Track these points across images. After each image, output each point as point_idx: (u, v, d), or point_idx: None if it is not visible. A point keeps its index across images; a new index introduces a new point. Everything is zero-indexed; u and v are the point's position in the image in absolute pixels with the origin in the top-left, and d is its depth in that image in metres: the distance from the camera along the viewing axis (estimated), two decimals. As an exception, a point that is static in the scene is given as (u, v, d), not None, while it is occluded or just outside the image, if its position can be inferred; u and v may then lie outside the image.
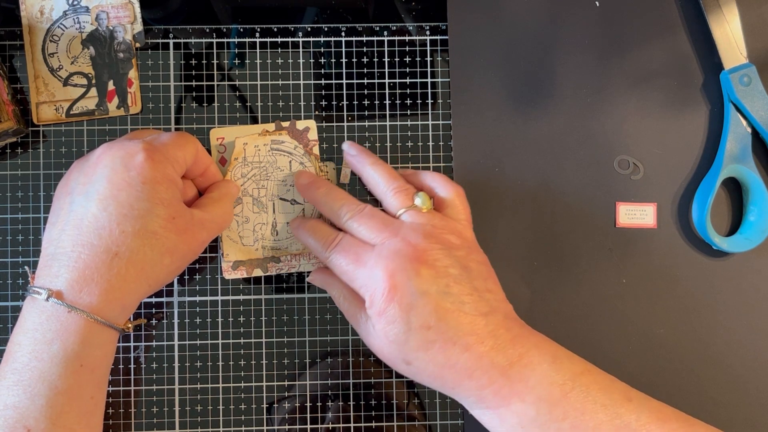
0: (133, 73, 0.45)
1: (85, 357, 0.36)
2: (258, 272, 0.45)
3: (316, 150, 0.46)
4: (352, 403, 0.45)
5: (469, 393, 0.38)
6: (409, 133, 0.46)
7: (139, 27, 0.45)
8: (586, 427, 0.36)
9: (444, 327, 0.37)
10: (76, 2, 0.45)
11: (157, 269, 0.38)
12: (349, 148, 0.45)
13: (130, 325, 0.40)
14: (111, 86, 0.45)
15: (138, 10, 0.45)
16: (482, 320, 0.37)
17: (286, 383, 0.45)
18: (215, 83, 0.46)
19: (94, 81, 0.45)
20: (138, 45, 0.45)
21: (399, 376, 0.45)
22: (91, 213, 0.37)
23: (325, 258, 0.41)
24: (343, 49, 0.46)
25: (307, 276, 0.45)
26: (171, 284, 0.45)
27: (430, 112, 0.47)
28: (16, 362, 0.36)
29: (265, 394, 0.45)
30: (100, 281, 0.36)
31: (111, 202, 0.37)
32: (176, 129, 0.46)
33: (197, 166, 0.42)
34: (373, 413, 0.45)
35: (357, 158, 0.44)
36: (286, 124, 0.46)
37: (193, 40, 0.46)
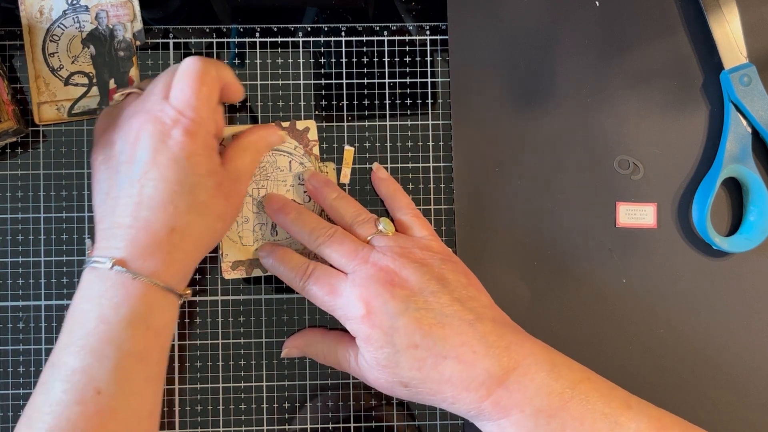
0: (133, 71, 0.45)
1: (151, 320, 0.37)
2: (258, 272, 0.45)
3: (316, 150, 0.46)
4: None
5: (469, 407, 0.37)
6: (409, 133, 0.46)
7: (138, 25, 0.45)
8: None
9: (431, 343, 0.37)
10: (75, 1, 0.45)
11: (211, 235, 0.40)
12: (310, 180, 0.45)
13: (189, 291, 0.41)
14: (112, 85, 0.45)
15: (137, 8, 0.45)
16: (469, 329, 0.37)
17: (286, 383, 0.45)
18: (215, 83, 0.46)
19: (95, 80, 0.45)
20: (138, 43, 0.45)
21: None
22: (143, 192, 0.37)
23: (301, 288, 0.41)
24: (343, 49, 0.46)
25: (283, 349, 0.45)
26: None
27: (430, 112, 0.47)
28: (83, 328, 0.36)
29: (265, 394, 0.45)
30: (160, 253, 0.37)
31: (160, 181, 0.37)
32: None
33: (224, 98, 0.42)
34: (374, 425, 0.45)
35: (320, 191, 0.44)
36: (286, 124, 0.46)
37: (193, 40, 0.46)
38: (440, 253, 0.41)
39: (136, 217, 0.37)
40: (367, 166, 0.46)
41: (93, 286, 0.37)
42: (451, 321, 0.37)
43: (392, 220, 0.43)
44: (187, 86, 0.38)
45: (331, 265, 0.41)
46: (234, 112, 0.46)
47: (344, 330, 0.41)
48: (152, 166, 0.37)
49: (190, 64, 0.38)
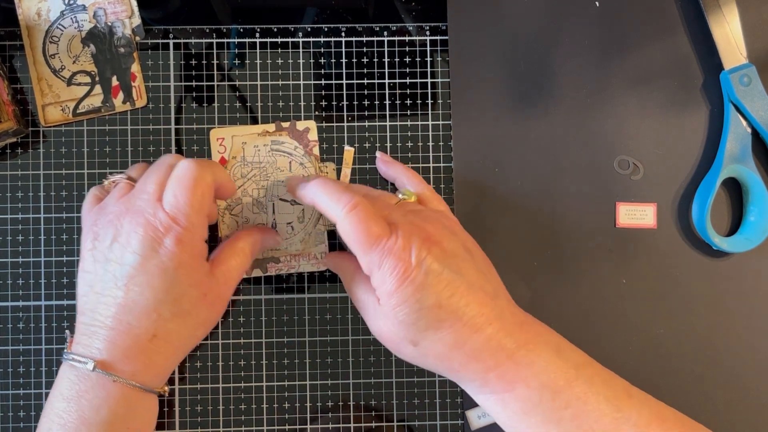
0: (135, 67, 0.45)
1: (131, 421, 0.38)
2: (257, 272, 0.45)
3: (316, 150, 0.46)
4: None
5: (474, 376, 0.37)
6: (409, 133, 0.46)
7: (137, 20, 0.45)
8: (587, 417, 0.36)
9: (455, 306, 0.37)
10: (72, 1, 0.45)
11: (191, 341, 0.41)
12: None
13: (166, 388, 0.41)
14: (115, 82, 0.45)
15: (134, 3, 0.45)
16: (490, 302, 0.37)
17: (286, 383, 0.45)
18: (215, 83, 0.46)
19: (97, 78, 0.45)
20: (138, 38, 0.45)
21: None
22: (128, 296, 0.37)
23: (341, 216, 0.38)
24: (343, 49, 0.46)
25: (322, 257, 0.45)
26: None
27: (430, 112, 0.47)
28: (62, 428, 0.36)
29: (264, 395, 0.45)
30: (140, 357, 0.38)
31: (146, 288, 0.37)
32: (176, 129, 0.46)
33: (217, 196, 0.42)
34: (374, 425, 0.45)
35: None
36: (286, 124, 0.46)
37: (193, 40, 0.46)
38: (462, 229, 0.41)
39: (120, 320, 0.37)
40: (368, 166, 0.46)
41: (72, 385, 0.37)
42: (476, 291, 0.37)
43: None
44: (181, 193, 0.38)
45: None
46: (234, 112, 0.46)
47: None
48: (140, 272, 0.37)
49: (185, 169, 0.38)
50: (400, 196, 0.42)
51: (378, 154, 0.46)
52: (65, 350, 0.38)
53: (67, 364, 0.38)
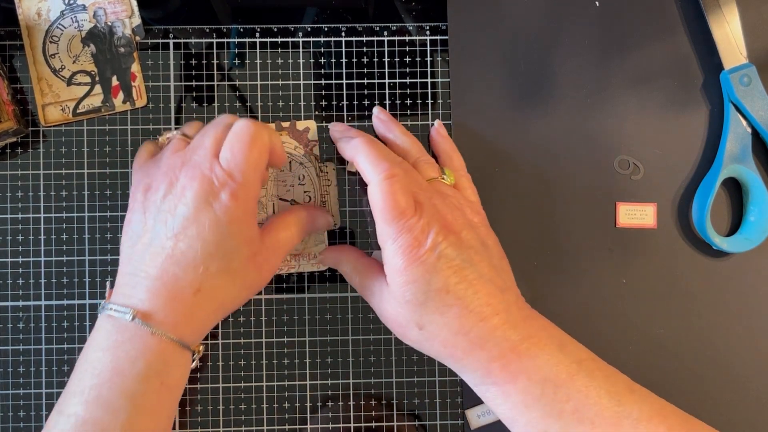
0: (135, 67, 0.45)
1: (165, 376, 0.37)
2: (258, 272, 0.45)
3: (316, 150, 0.46)
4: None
5: (477, 365, 0.37)
6: (409, 133, 0.46)
7: (137, 20, 0.45)
8: (588, 411, 0.36)
9: (463, 293, 0.37)
10: (72, 1, 0.45)
11: (234, 302, 0.40)
12: (379, 113, 0.45)
13: (201, 348, 0.41)
14: (115, 81, 0.45)
15: (134, 3, 0.45)
16: (499, 294, 0.38)
17: (286, 383, 0.45)
18: (215, 83, 0.46)
19: (97, 78, 0.45)
20: (138, 38, 0.45)
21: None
22: (178, 248, 0.37)
23: (376, 181, 0.38)
24: (343, 49, 0.46)
25: (318, 256, 0.45)
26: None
27: (430, 112, 0.47)
28: (95, 378, 0.36)
29: (265, 395, 0.45)
30: (182, 310, 0.37)
31: (197, 240, 0.37)
32: (176, 129, 0.46)
33: (270, 162, 0.41)
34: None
35: (387, 124, 0.45)
36: (286, 124, 0.46)
37: (193, 40, 0.46)
38: (485, 222, 0.42)
39: (166, 270, 0.37)
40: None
41: (109, 335, 0.36)
42: (485, 282, 0.38)
43: None
44: (239, 149, 0.38)
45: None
46: (234, 112, 0.46)
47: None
48: (192, 223, 0.37)
49: (244, 126, 0.38)
50: (443, 175, 0.42)
51: (435, 122, 0.46)
52: (104, 301, 0.38)
53: (104, 315, 0.37)
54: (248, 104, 0.46)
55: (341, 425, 0.45)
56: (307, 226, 0.43)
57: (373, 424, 0.45)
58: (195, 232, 0.37)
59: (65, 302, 0.45)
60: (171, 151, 0.40)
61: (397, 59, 0.47)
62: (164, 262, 0.37)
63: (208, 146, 0.38)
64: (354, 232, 0.46)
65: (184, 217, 0.37)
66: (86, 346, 0.37)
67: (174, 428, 0.45)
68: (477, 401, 0.45)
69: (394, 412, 0.45)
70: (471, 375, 0.38)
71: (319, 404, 0.45)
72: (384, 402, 0.45)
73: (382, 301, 0.39)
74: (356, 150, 0.40)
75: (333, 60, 0.46)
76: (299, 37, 0.46)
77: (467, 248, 0.38)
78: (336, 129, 0.45)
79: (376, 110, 0.45)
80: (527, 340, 0.37)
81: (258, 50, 0.46)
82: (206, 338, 0.45)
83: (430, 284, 0.37)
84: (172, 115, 0.46)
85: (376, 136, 0.45)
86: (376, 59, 0.46)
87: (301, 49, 0.46)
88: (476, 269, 0.38)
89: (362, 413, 0.45)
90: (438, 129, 0.46)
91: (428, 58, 0.47)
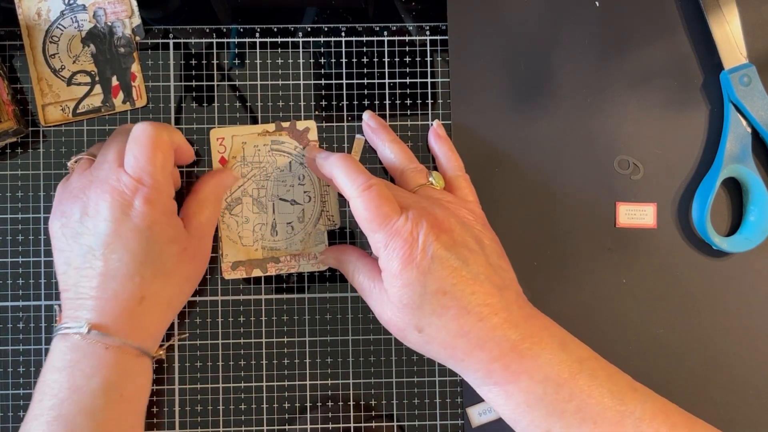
0: (135, 67, 0.45)
1: (124, 387, 0.37)
2: (257, 272, 0.45)
3: (316, 150, 0.46)
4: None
5: (478, 366, 0.37)
6: (409, 133, 0.46)
7: (137, 20, 0.45)
8: (591, 410, 0.36)
9: (459, 294, 0.37)
10: (72, 1, 0.45)
11: (180, 297, 0.41)
12: (369, 120, 0.45)
13: (161, 351, 0.41)
14: (115, 82, 0.45)
15: (134, 3, 0.45)
16: (497, 293, 0.38)
17: (286, 383, 0.45)
18: (215, 83, 0.46)
19: (97, 78, 0.45)
20: (138, 39, 0.45)
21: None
22: (108, 264, 0.37)
23: (355, 195, 0.38)
24: (343, 49, 0.46)
25: (318, 256, 0.45)
26: (171, 284, 0.45)
27: (430, 112, 0.47)
28: (54, 398, 0.36)
29: (264, 394, 0.45)
30: (131, 321, 0.38)
31: (125, 252, 0.37)
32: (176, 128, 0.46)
33: (178, 160, 0.42)
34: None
35: (377, 132, 0.44)
36: (286, 124, 0.46)
37: (193, 40, 0.46)
38: (482, 219, 0.42)
39: (104, 289, 0.37)
40: (368, 165, 0.46)
41: (64, 356, 0.37)
42: (482, 282, 0.37)
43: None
44: (141, 153, 0.38)
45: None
46: (234, 112, 0.46)
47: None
48: (115, 238, 0.37)
49: (142, 130, 0.38)
50: (430, 178, 0.42)
51: (434, 123, 0.46)
52: (54, 324, 0.38)
53: (58, 336, 0.37)
54: (248, 104, 0.46)
55: (341, 425, 0.45)
56: (220, 194, 0.43)
57: (373, 424, 0.45)
58: (120, 245, 0.37)
59: (65, 302, 0.45)
60: (78, 174, 0.40)
61: (397, 59, 0.47)
62: (100, 282, 0.37)
63: (111, 159, 0.39)
64: (354, 232, 0.46)
65: (105, 234, 0.37)
66: (43, 370, 0.38)
67: (174, 428, 0.45)
68: (478, 399, 0.45)
69: (394, 412, 0.45)
70: (472, 376, 0.38)
71: (319, 404, 0.45)
72: (384, 402, 0.45)
73: (381, 304, 0.39)
74: (333, 167, 0.40)
75: (333, 60, 0.46)
76: (299, 37, 0.46)
77: (461, 247, 0.38)
78: (312, 152, 0.44)
79: (366, 116, 0.45)
80: (528, 340, 0.37)
81: (258, 50, 0.46)
82: (207, 338, 0.45)
83: (425, 287, 0.37)
84: (172, 115, 0.46)
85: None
86: (376, 59, 0.46)
87: (301, 49, 0.46)
88: (471, 269, 0.37)
89: (362, 413, 0.45)
90: (436, 129, 0.45)
91: (428, 58, 0.47)
